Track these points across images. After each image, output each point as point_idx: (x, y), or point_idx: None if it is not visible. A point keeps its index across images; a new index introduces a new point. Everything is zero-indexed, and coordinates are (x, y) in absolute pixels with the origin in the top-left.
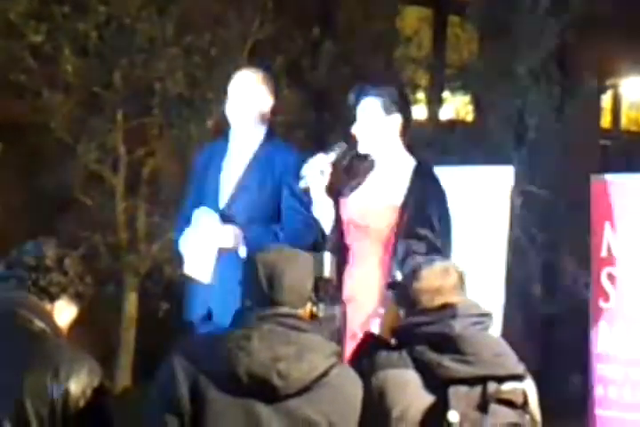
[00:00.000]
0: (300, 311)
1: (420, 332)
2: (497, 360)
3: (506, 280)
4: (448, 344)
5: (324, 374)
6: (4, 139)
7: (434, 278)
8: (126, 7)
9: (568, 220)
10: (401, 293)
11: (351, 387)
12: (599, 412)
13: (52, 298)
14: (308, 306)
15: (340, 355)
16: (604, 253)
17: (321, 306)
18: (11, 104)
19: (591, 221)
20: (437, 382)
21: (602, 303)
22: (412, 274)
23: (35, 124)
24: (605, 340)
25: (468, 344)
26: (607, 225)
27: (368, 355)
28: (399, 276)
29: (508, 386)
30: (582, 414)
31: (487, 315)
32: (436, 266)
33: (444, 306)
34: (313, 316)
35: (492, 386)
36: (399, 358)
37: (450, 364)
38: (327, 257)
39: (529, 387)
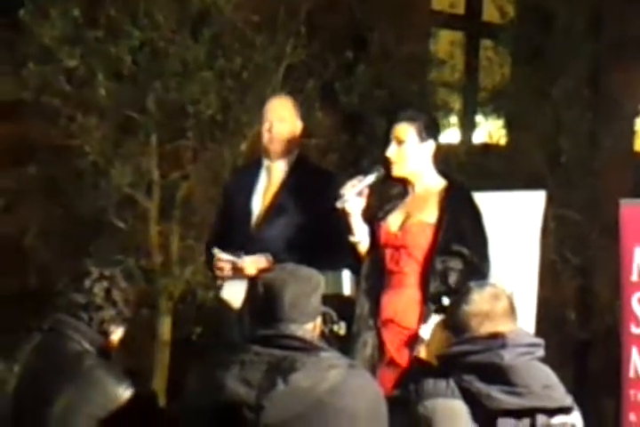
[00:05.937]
0: (307, 327)
1: (469, 361)
2: (546, 392)
3: (540, 305)
4: (497, 375)
5: (316, 394)
6: (38, 162)
7: (484, 303)
8: (159, 31)
9: (602, 243)
10: (449, 317)
11: (351, 400)
12: None
13: (107, 333)
14: (319, 322)
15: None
16: (634, 278)
17: (342, 324)
18: (45, 128)
19: (621, 246)
20: (485, 414)
21: (633, 328)
22: (462, 297)
23: (69, 147)
24: (638, 365)
25: (518, 375)
26: (637, 249)
27: (415, 381)
28: (447, 300)
29: (557, 420)
30: None
31: (537, 344)
32: (486, 290)
33: (494, 335)
34: (333, 334)
35: (541, 419)
36: (447, 388)
37: (499, 395)
38: (346, 275)
39: (577, 420)
